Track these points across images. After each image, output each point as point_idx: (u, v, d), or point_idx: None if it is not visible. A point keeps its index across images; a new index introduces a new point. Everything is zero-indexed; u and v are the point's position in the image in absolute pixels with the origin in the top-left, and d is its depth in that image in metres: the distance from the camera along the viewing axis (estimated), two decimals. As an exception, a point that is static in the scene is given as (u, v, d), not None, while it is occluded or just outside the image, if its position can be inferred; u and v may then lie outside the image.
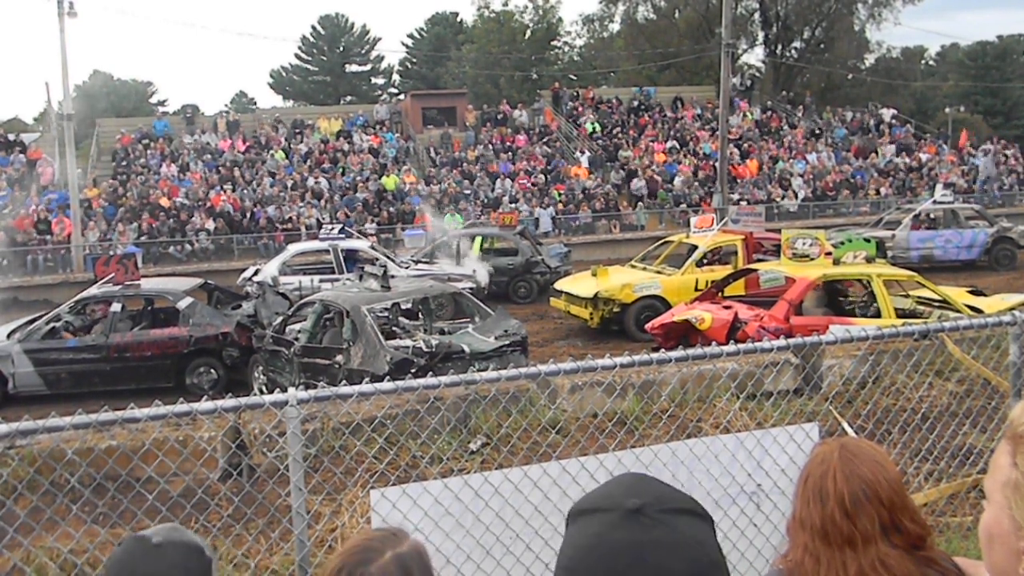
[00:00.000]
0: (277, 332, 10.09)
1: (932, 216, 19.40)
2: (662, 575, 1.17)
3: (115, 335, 10.98)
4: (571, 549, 1.23)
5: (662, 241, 15.67)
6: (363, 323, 8.85)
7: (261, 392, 9.85)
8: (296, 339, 9.70)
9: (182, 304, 11.22)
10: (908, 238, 18.52)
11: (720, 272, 12.80)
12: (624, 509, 1.22)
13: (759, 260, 12.86)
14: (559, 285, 14.27)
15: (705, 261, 13.61)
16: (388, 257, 16.10)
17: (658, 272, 13.68)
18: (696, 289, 12.55)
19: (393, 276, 10.89)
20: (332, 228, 17.11)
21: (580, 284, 13.63)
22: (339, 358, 8.92)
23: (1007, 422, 1.33)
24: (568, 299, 13.53)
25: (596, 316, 12.85)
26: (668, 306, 12.32)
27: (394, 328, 9.91)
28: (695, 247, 13.85)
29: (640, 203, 27.22)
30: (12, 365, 10.79)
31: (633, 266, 14.57)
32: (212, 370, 11.05)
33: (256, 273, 15.59)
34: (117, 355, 10.91)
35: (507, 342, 9.22)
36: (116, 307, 11.18)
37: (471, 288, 13.88)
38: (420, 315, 10.64)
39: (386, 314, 10.20)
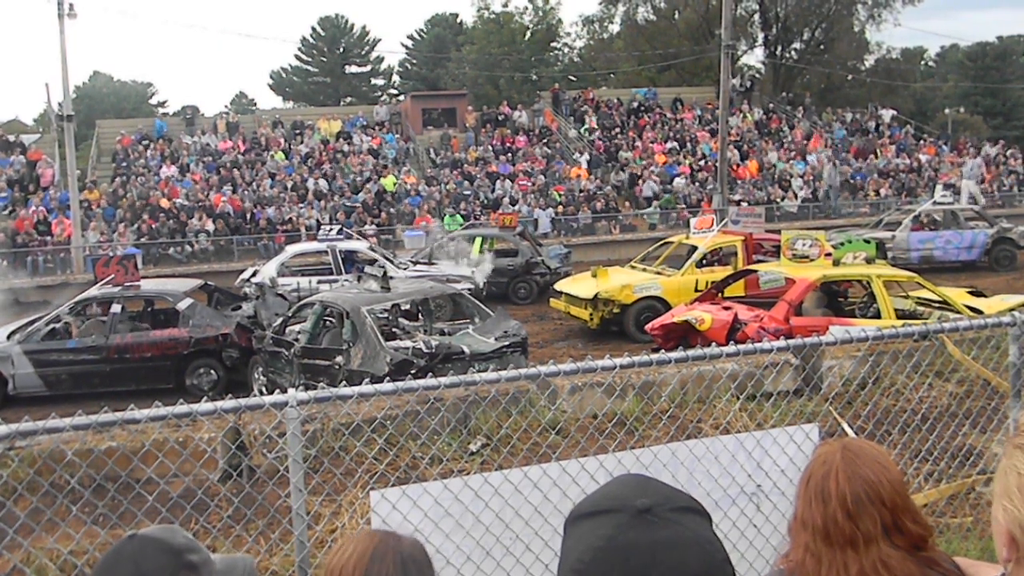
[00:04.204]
0: (277, 333, 10.09)
1: (932, 217, 19.40)
2: (677, 574, 1.17)
3: (115, 336, 10.97)
4: (580, 550, 1.22)
5: (662, 242, 15.67)
6: (363, 324, 8.85)
7: (261, 393, 9.86)
8: (296, 340, 9.71)
9: (182, 305, 11.22)
10: (908, 239, 18.51)
11: (720, 273, 12.80)
12: (634, 509, 1.22)
13: (759, 261, 12.86)
14: (559, 286, 14.27)
15: (705, 262, 13.61)
16: (386, 258, 16.10)
17: (658, 273, 13.68)
18: (696, 290, 12.55)
19: (392, 277, 10.89)
20: (331, 229, 17.08)
21: (580, 285, 13.62)
22: (339, 359, 8.92)
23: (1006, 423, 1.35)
24: (568, 300, 13.53)
25: (596, 317, 12.85)
26: (668, 307, 12.32)
27: (394, 329, 9.92)
28: (695, 248, 13.85)
29: (655, 201, 27.20)
30: (12, 366, 10.78)
31: (633, 267, 14.58)
32: (212, 371, 11.05)
33: (254, 274, 15.58)
34: (117, 356, 10.91)
35: (507, 343, 9.22)
36: (116, 308, 11.18)
37: (469, 289, 13.88)
38: (420, 316, 10.64)
39: (386, 315, 10.20)
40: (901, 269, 11.50)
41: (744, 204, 25.22)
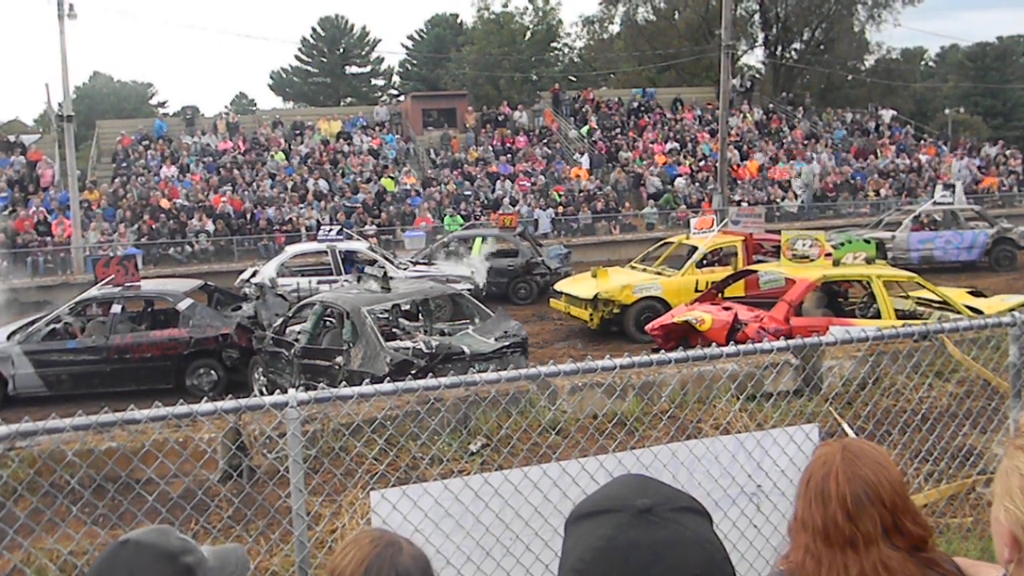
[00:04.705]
0: (277, 333, 10.09)
1: (932, 217, 19.40)
2: (677, 574, 1.17)
3: (115, 336, 10.96)
4: (580, 550, 1.22)
5: (662, 242, 15.66)
6: (363, 324, 8.85)
7: (261, 393, 9.86)
8: (296, 340, 9.71)
9: (182, 305, 11.21)
10: (908, 239, 18.51)
11: (720, 273, 12.80)
12: (635, 509, 1.22)
13: (759, 261, 12.86)
14: (559, 286, 14.26)
15: (705, 262, 13.60)
16: (386, 258, 16.09)
17: (658, 273, 13.67)
18: (696, 290, 12.54)
19: (391, 278, 10.89)
20: (330, 230, 17.06)
21: (580, 285, 13.62)
22: (339, 359, 8.92)
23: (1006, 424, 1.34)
24: (568, 300, 13.53)
25: (596, 317, 12.84)
26: (668, 307, 12.32)
27: (394, 329, 9.92)
28: (695, 248, 13.84)
29: (652, 200, 27.19)
30: (12, 367, 10.77)
31: (633, 267, 14.56)
32: (212, 371, 11.05)
33: (254, 275, 15.57)
34: (117, 356, 10.89)
35: (507, 343, 9.22)
36: (116, 308, 11.17)
37: (469, 289, 13.88)
38: (420, 316, 10.64)
39: (386, 315, 10.20)
40: (901, 269, 11.50)
41: (744, 204, 25.26)
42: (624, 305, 12.78)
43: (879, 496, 1.69)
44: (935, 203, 19.59)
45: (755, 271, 11.77)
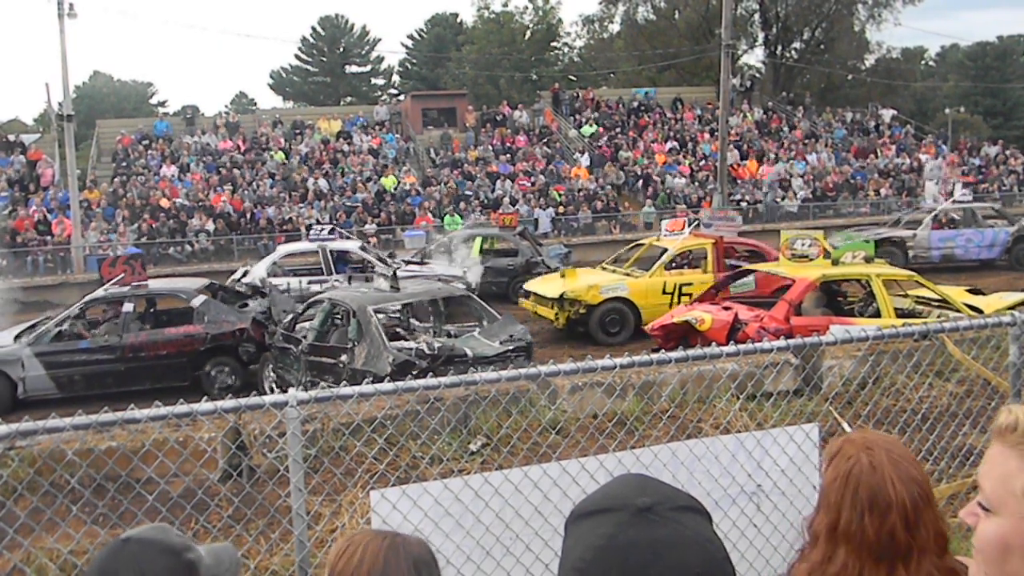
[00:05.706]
0: (287, 330, 10.14)
1: (951, 216, 19.37)
2: (677, 573, 1.17)
3: (129, 335, 10.82)
4: (580, 549, 1.22)
5: (634, 243, 15.50)
6: (368, 324, 8.87)
7: (272, 389, 9.91)
8: (304, 337, 9.76)
9: (196, 302, 11.14)
10: (929, 238, 18.44)
11: (689, 275, 12.79)
12: (635, 508, 1.22)
13: (732, 267, 12.76)
14: (528, 285, 14.01)
15: (674, 264, 13.47)
16: (380, 259, 16.01)
17: (627, 274, 13.42)
18: (664, 292, 12.48)
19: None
20: (322, 229, 16.88)
21: (547, 284, 13.40)
22: (344, 358, 8.95)
23: (1001, 425, 1.30)
24: (535, 299, 13.31)
25: (562, 317, 12.63)
26: (634, 309, 12.28)
27: (398, 329, 9.96)
28: (665, 250, 13.61)
29: (649, 200, 27.16)
30: (22, 369, 10.46)
31: (604, 268, 14.39)
32: (228, 368, 10.96)
33: (245, 275, 15.43)
34: (132, 355, 10.74)
35: (511, 347, 9.23)
36: (128, 307, 11.02)
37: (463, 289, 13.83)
38: (430, 317, 10.67)
39: (397, 315, 10.25)
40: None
41: (744, 204, 25.28)
42: (590, 305, 12.57)
43: (927, 495, 1.58)
44: (955, 201, 19.58)
45: (754, 271, 11.75)
